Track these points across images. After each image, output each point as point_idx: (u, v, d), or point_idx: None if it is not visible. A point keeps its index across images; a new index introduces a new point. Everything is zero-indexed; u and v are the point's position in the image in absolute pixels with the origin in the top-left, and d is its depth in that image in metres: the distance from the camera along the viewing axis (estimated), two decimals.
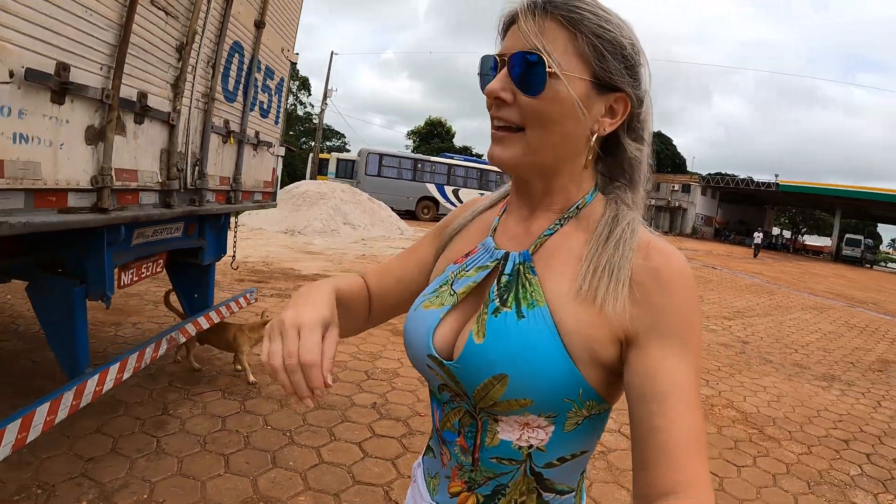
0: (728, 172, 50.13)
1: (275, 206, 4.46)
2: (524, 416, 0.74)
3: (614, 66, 0.74)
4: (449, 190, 25.19)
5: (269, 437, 3.21)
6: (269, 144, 4.18)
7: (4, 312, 4.88)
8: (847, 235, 43.12)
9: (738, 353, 6.62)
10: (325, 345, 0.72)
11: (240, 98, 3.57)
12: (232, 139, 3.49)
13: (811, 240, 59.27)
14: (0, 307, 5.01)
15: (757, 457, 3.73)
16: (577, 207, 0.82)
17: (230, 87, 3.41)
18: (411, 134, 56.39)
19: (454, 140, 55.64)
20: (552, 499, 0.82)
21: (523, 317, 0.74)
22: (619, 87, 0.75)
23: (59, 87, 1.92)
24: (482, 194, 1.19)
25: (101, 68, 2.17)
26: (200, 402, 3.54)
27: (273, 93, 4.17)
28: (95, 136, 2.19)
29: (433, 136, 53.91)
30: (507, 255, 0.82)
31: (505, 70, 0.76)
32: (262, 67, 3.84)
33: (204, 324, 3.66)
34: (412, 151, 43.37)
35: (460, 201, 21.48)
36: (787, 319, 9.63)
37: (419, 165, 25.05)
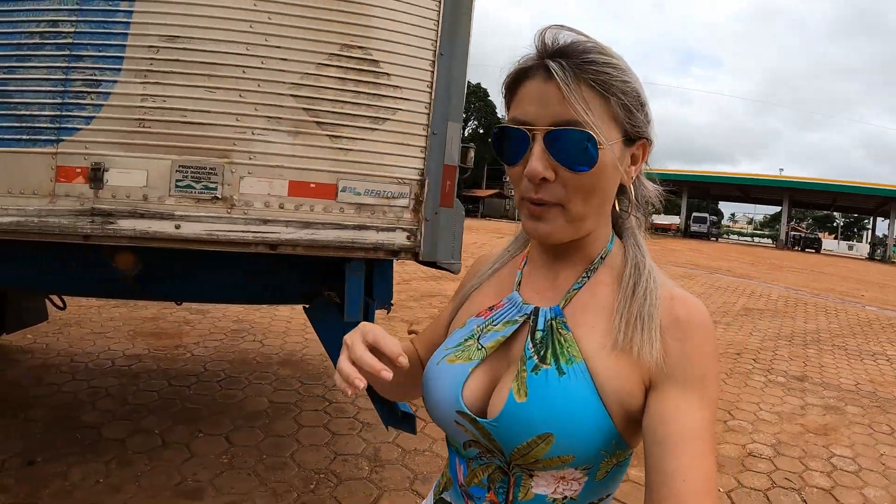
0: None
1: None
2: (562, 470, 0.77)
3: (639, 118, 0.77)
4: None
5: None
6: None
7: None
8: (694, 214, 50.25)
9: None
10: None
11: None
12: None
13: (659, 218, 67.18)
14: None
15: None
16: (602, 257, 0.85)
17: None
18: None
19: None
20: None
21: (564, 373, 0.76)
22: (644, 135, 0.80)
23: None
24: None
25: None
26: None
27: None
28: None
29: None
30: (536, 311, 0.84)
31: (542, 145, 0.75)
32: None
33: None
34: None
35: None
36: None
37: None
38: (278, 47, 1.87)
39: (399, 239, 2.03)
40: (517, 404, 0.76)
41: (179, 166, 1.79)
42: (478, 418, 0.79)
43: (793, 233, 49.65)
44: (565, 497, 0.79)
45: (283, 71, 1.88)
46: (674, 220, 50.34)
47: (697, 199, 58.59)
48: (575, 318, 0.81)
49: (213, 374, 4.49)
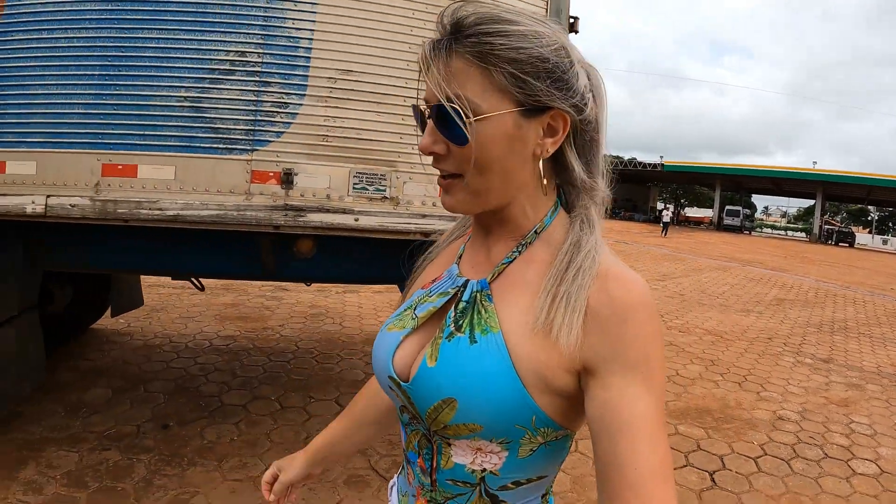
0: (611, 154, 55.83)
1: None
2: (475, 440, 0.77)
3: (538, 86, 0.73)
4: None
5: None
6: None
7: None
8: (727, 207, 50.13)
9: (681, 302, 9.74)
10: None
11: None
12: None
13: (692, 212, 67.02)
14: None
15: (725, 350, 6.70)
16: (536, 232, 0.83)
17: None
18: None
19: None
20: None
21: (476, 342, 0.77)
22: (551, 104, 0.75)
23: None
24: None
25: None
26: None
27: None
28: None
29: None
30: (466, 283, 0.85)
31: (431, 122, 0.77)
32: None
33: None
34: None
35: None
36: (703, 278, 13.12)
37: None
38: None
39: None
40: (428, 368, 0.78)
41: (356, 173, 2.38)
42: (401, 382, 0.82)
43: (826, 227, 49.20)
44: (484, 469, 0.80)
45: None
46: (707, 213, 50.18)
47: (730, 192, 58.28)
48: (501, 292, 0.81)
49: (305, 351, 5.11)
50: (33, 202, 2.43)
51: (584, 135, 0.80)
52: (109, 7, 2.46)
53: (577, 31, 3.38)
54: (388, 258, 3.09)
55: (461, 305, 0.82)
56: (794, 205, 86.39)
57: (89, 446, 3.20)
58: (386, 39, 2.45)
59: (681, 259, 17.41)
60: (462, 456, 0.80)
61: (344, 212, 2.37)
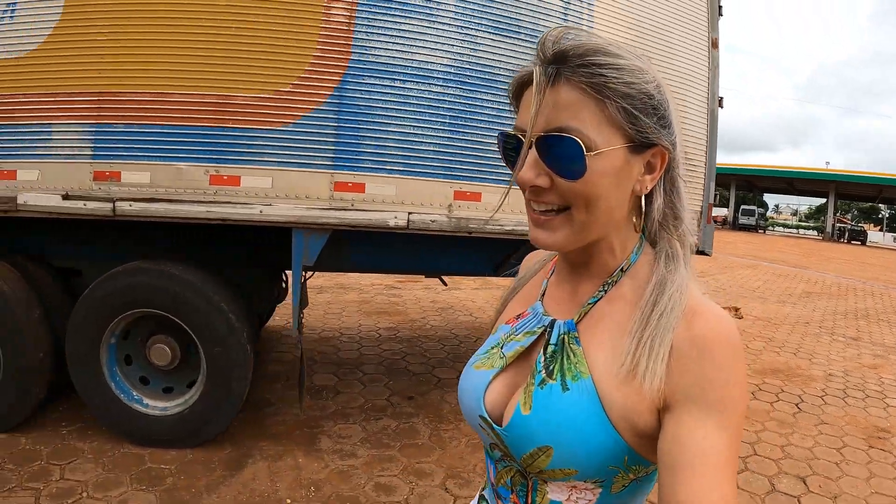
0: None
1: None
2: (570, 481, 0.79)
3: (647, 123, 0.74)
4: None
5: None
6: None
7: None
8: (742, 206, 51.47)
9: (725, 295, 11.40)
10: None
11: None
12: None
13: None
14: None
15: (776, 331, 8.37)
16: (622, 270, 0.83)
17: None
18: None
19: None
20: None
21: (568, 389, 0.77)
22: (656, 142, 0.76)
23: None
24: None
25: None
26: None
27: None
28: None
29: None
30: (552, 323, 0.85)
31: (535, 154, 0.74)
32: None
33: None
34: None
35: None
36: (736, 274, 14.84)
37: None
38: None
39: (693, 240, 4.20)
40: (522, 416, 0.79)
41: None
42: (494, 425, 0.84)
43: (838, 225, 50.32)
44: None
45: None
46: (721, 211, 51.36)
47: (743, 191, 59.43)
48: (588, 334, 0.81)
49: (465, 338, 6.46)
50: (396, 217, 3.15)
51: (672, 171, 0.81)
52: (453, 69, 3.16)
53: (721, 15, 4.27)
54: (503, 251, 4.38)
55: (550, 349, 0.83)
56: (805, 203, 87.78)
57: (361, 419, 3.98)
58: None
59: (712, 258, 19.09)
60: (558, 493, 0.81)
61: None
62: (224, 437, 3.63)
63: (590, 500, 0.81)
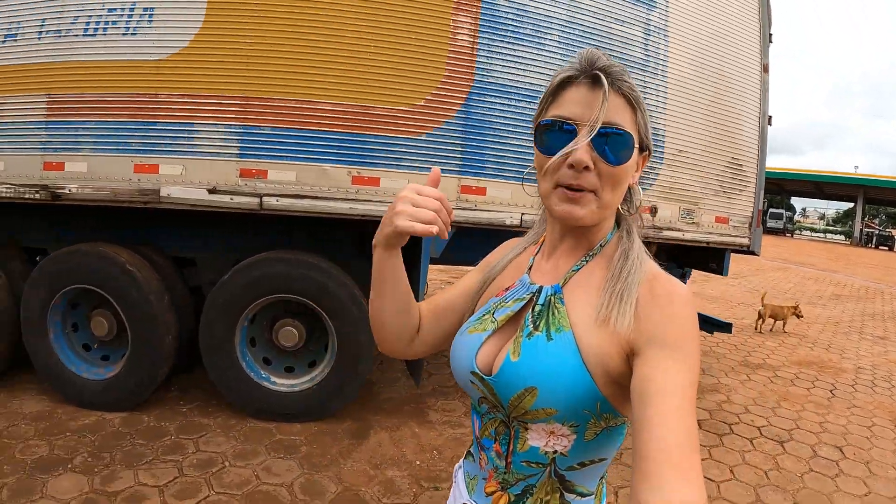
0: None
1: None
2: (550, 424, 0.93)
3: (648, 131, 0.98)
4: None
5: None
6: None
7: None
8: (770, 210, 51.03)
9: (759, 296, 11.89)
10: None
11: None
12: None
13: None
14: None
15: (808, 329, 8.84)
16: (601, 245, 1.03)
17: None
18: None
19: None
20: (573, 500, 1.00)
21: (552, 339, 0.94)
22: (649, 147, 1.00)
23: None
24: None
25: None
26: None
27: None
28: None
29: None
30: (540, 289, 1.02)
31: (588, 140, 0.91)
32: None
33: None
34: None
35: None
36: (768, 277, 15.35)
37: None
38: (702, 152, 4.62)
39: (746, 240, 4.75)
40: (511, 363, 0.95)
41: (681, 208, 4.51)
42: (484, 376, 0.99)
43: (866, 229, 49.79)
44: (556, 451, 0.95)
45: (709, 165, 4.60)
46: None
47: (770, 193, 58.84)
48: (570, 295, 0.98)
49: None
50: (511, 216, 3.71)
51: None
52: None
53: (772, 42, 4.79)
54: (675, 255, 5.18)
55: (537, 308, 1.00)
56: (833, 207, 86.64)
57: (458, 395, 4.58)
58: (702, 133, 4.45)
59: (744, 259, 19.45)
60: (537, 439, 0.96)
61: (678, 230, 4.50)
62: (343, 412, 4.14)
63: (565, 446, 0.95)
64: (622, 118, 0.93)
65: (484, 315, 1.08)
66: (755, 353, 7.00)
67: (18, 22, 3.83)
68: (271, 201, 3.59)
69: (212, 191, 3.61)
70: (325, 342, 4.09)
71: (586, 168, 0.92)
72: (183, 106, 3.60)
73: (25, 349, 4.14)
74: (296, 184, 3.60)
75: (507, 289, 1.11)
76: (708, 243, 4.55)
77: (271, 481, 3.29)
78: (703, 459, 3.78)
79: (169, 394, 4.36)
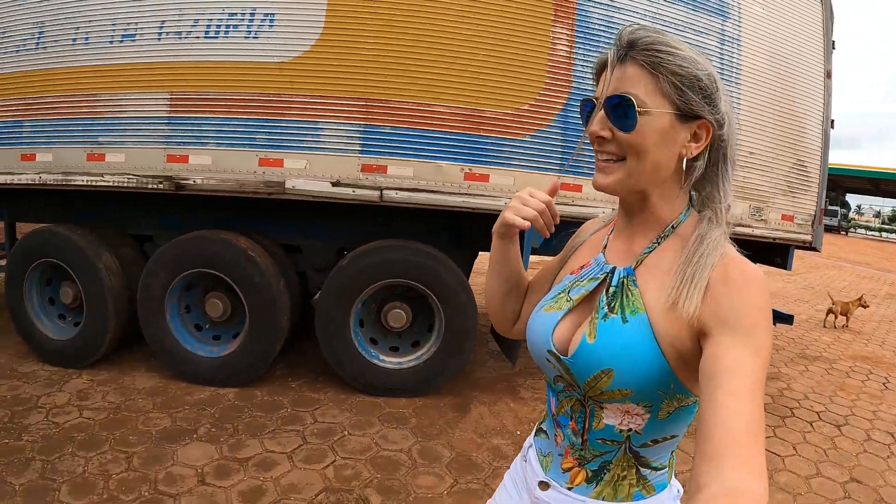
0: None
1: None
2: (625, 403, 1.04)
3: (693, 97, 1.01)
4: None
5: None
6: None
7: None
8: (829, 208, 51.24)
9: (816, 293, 12.64)
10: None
11: None
12: None
13: None
14: None
15: (863, 325, 9.58)
16: (672, 227, 1.10)
17: None
18: None
19: None
20: (648, 473, 1.12)
21: (627, 322, 1.03)
22: (700, 114, 1.03)
23: None
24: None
25: None
26: None
27: None
28: None
29: None
30: (614, 270, 1.12)
31: (602, 112, 1.05)
32: None
33: None
34: None
35: None
36: (823, 274, 16.40)
37: None
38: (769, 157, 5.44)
39: (808, 237, 5.47)
40: (588, 345, 1.05)
41: (751, 206, 5.13)
42: (560, 356, 1.09)
43: None
44: (630, 429, 1.07)
45: (777, 166, 5.35)
46: None
47: (827, 191, 58.36)
48: (643, 277, 1.08)
49: None
50: (603, 211, 4.18)
51: (718, 150, 1.08)
52: None
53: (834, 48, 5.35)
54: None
55: (611, 290, 1.09)
56: (888, 205, 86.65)
57: None
58: (771, 136, 5.13)
59: (798, 256, 20.22)
60: (612, 418, 1.07)
61: (749, 226, 5.17)
62: (442, 389, 4.87)
63: (639, 425, 1.05)
64: (634, 86, 1.02)
65: (559, 293, 1.21)
66: (812, 346, 7.82)
67: (136, 23, 4.49)
68: (391, 194, 4.32)
69: (335, 184, 4.32)
70: (428, 324, 4.89)
71: (603, 139, 1.06)
72: (307, 106, 4.28)
73: (134, 330, 4.93)
74: (413, 178, 4.30)
75: (582, 267, 1.22)
76: (774, 239, 5.30)
77: (390, 448, 3.90)
78: (767, 437, 4.48)
79: (276, 371, 5.09)
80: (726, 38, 4.82)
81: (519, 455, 1.42)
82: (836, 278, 15.96)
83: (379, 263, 4.60)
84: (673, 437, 1.11)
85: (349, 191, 4.36)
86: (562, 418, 1.18)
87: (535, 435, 1.35)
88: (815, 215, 5.54)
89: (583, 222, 1.46)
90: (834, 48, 5.54)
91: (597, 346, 1.04)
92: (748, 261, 1.00)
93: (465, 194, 4.37)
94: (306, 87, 4.30)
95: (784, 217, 5.37)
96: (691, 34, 4.73)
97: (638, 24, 1.08)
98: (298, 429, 4.12)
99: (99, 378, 4.83)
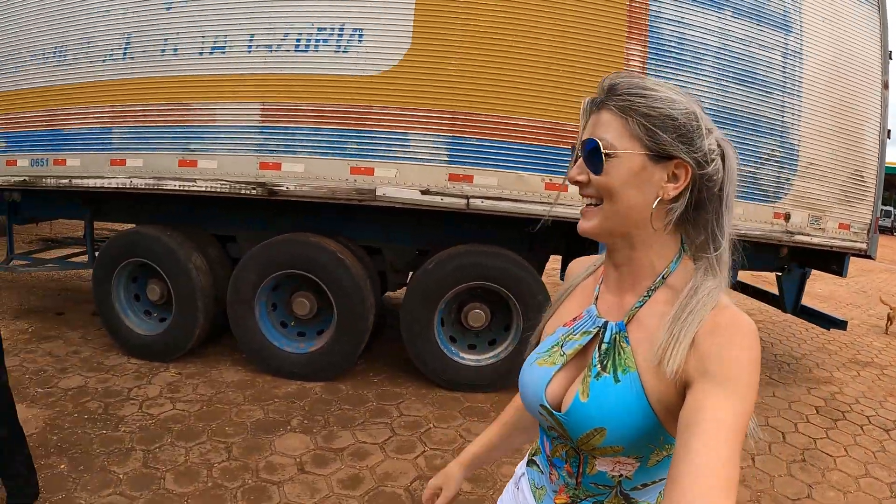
0: None
1: None
2: (616, 457, 1.13)
3: (664, 137, 1.06)
4: None
5: None
6: None
7: None
8: (881, 208, 50.61)
9: (867, 297, 13.10)
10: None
11: None
12: None
13: None
14: None
15: None
16: (663, 277, 1.15)
17: None
18: None
19: None
20: None
21: (619, 381, 1.09)
22: (675, 154, 1.07)
23: None
24: None
25: None
26: None
27: None
28: None
29: None
30: (606, 325, 1.18)
31: (580, 157, 1.14)
32: None
33: None
34: None
35: None
36: (875, 278, 16.75)
37: None
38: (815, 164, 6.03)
39: (864, 245, 6.02)
40: (581, 403, 1.11)
41: (810, 215, 5.63)
42: (554, 411, 1.16)
43: None
44: (621, 475, 1.16)
45: (835, 176, 5.85)
46: None
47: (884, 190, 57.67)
48: (635, 334, 1.13)
49: None
50: None
51: (706, 190, 1.10)
52: (711, 111, 4.65)
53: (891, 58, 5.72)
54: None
55: (604, 346, 1.15)
56: None
57: None
58: (830, 147, 5.66)
59: (851, 261, 20.76)
60: (604, 465, 1.16)
61: (807, 234, 5.68)
62: (514, 384, 5.65)
63: (629, 472, 1.16)
64: (606, 130, 1.10)
65: (553, 347, 1.27)
66: (863, 351, 8.33)
67: (225, 36, 4.98)
68: (477, 202, 4.83)
69: (424, 192, 4.81)
70: (504, 323, 5.49)
71: (581, 183, 1.15)
72: (397, 117, 4.77)
73: (218, 326, 5.57)
74: (497, 188, 4.81)
75: (574, 319, 1.29)
76: (831, 247, 5.83)
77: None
78: (820, 439, 4.99)
79: (357, 367, 5.62)
80: (789, 51, 5.31)
81: (511, 481, 1.53)
82: (889, 282, 16.26)
83: (463, 266, 5.12)
84: (662, 479, 1.19)
85: (438, 198, 4.85)
86: (557, 460, 1.28)
87: (528, 465, 1.45)
88: (870, 224, 6.07)
89: None
90: (891, 58, 5.94)
91: (589, 405, 1.11)
92: (741, 311, 1.04)
93: (547, 203, 4.85)
94: (396, 100, 4.78)
95: (841, 226, 5.86)
96: (757, 49, 5.27)
97: (619, 71, 1.26)
98: (386, 421, 4.55)
99: (186, 371, 5.34)
